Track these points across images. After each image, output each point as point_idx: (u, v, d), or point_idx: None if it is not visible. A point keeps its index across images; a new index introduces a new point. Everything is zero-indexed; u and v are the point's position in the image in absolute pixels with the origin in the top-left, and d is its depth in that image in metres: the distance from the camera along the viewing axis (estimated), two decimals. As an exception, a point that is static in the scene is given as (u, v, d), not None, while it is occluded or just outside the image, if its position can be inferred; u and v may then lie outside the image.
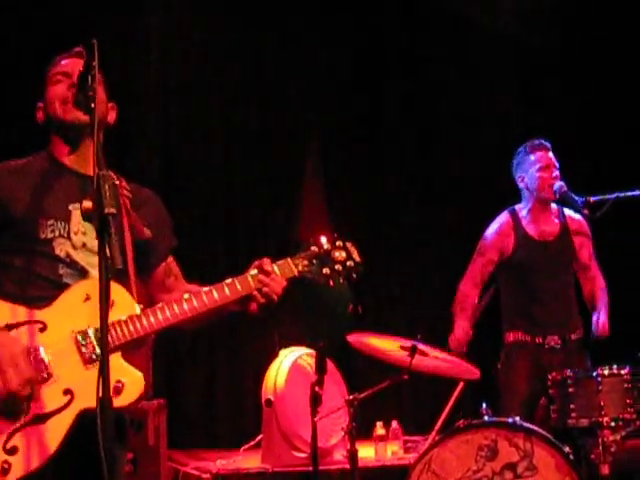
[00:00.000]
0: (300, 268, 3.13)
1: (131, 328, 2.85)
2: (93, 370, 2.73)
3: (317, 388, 4.61)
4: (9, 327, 2.77)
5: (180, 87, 8.04)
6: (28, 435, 2.70)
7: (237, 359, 8.21)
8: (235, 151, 8.36)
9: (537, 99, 8.54)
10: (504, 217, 5.42)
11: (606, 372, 4.75)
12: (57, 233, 2.93)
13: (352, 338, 4.84)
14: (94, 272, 2.85)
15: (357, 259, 3.22)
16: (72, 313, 2.81)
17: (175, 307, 2.91)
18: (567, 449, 4.60)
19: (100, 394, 2.38)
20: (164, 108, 8.01)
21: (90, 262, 2.93)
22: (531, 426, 4.65)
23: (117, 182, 3.03)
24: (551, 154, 5.34)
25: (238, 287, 3.01)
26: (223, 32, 8.16)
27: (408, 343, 4.69)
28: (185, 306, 2.93)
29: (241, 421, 7.88)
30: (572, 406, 4.75)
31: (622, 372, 4.76)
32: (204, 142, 8.26)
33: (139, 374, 2.85)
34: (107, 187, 2.51)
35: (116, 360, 2.79)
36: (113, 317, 2.76)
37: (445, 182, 8.68)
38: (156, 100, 7.96)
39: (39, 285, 2.89)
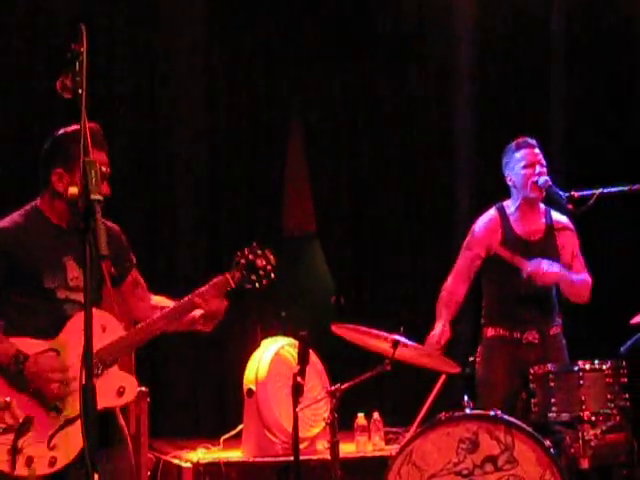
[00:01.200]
0: (235, 280, 3.83)
1: (121, 346, 3.71)
2: (100, 381, 3.43)
3: (299, 378, 4.61)
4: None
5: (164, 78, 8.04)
6: (63, 435, 3.56)
7: (219, 349, 8.20)
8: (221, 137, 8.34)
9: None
10: (492, 213, 5.43)
11: (587, 367, 4.78)
12: (57, 283, 3.65)
13: (335, 328, 4.85)
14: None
15: (273, 262, 3.89)
16: (77, 338, 3.42)
17: (147, 329, 3.76)
18: (548, 443, 4.62)
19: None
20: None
21: (80, 297, 3.57)
22: (512, 419, 4.67)
23: None
24: (537, 151, 5.35)
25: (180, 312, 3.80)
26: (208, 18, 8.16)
27: (391, 336, 4.70)
28: (154, 326, 3.77)
29: (222, 411, 7.87)
30: (553, 400, 4.78)
31: (604, 367, 4.78)
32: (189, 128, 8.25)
33: (133, 379, 3.76)
34: (93, 173, 2.56)
35: (115, 370, 3.69)
36: (107, 340, 3.64)
37: (433, 168, 8.67)
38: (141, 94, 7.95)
39: (48, 320, 3.63)
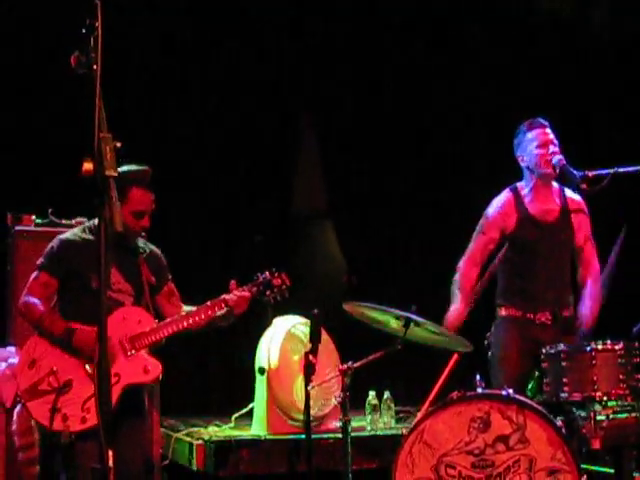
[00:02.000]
0: (253, 292, 4.84)
1: (151, 336, 4.68)
2: (130, 361, 4.60)
3: (311, 357, 4.61)
4: None
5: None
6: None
7: (230, 327, 8.22)
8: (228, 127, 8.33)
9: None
10: (506, 195, 5.40)
11: (600, 347, 4.76)
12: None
13: (347, 306, 4.84)
14: (127, 301, 4.73)
15: (288, 284, 4.87)
16: (116, 328, 4.53)
17: (177, 322, 4.74)
18: (559, 423, 4.62)
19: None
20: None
21: (121, 297, 4.71)
22: (524, 399, 4.66)
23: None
24: (549, 130, 5.32)
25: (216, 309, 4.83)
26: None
27: (403, 314, 4.70)
28: (184, 322, 4.76)
29: (234, 389, 7.89)
30: (565, 380, 4.76)
31: (616, 347, 4.76)
32: (194, 121, 8.24)
33: (158, 362, 4.69)
34: (108, 150, 2.57)
35: (144, 353, 4.64)
36: (140, 329, 4.66)
37: (447, 155, 8.65)
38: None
39: (93, 313, 3.98)
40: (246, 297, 4.80)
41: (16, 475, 5.48)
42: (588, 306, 5.35)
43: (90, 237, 4.71)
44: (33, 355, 4.58)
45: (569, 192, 5.41)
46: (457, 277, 5.38)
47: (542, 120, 5.34)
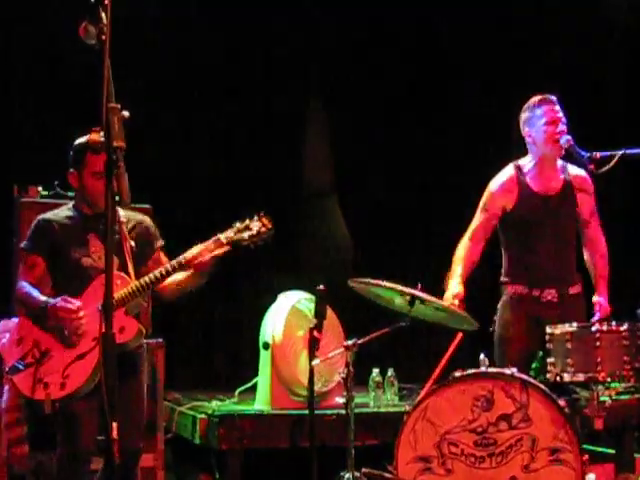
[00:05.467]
0: (228, 239, 4.57)
1: (127, 295, 4.50)
2: None
3: (315, 332, 4.62)
4: None
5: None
6: (75, 367, 4.46)
7: (235, 302, 8.24)
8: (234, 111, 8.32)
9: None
10: (508, 172, 5.38)
11: (605, 328, 4.75)
12: (81, 254, 4.64)
13: (353, 282, 4.84)
14: None
15: (269, 226, 4.60)
16: (96, 295, 4.34)
17: (140, 281, 4.55)
18: (562, 402, 4.62)
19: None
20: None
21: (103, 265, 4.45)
22: (528, 378, 4.66)
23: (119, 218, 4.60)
24: (557, 107, 5.29)
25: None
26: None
27: (408, 291, 4.70)
28: (145, 279, 4.54)
29: (238, 363, 7.91)
30: (569, 360, 4.75)
31: (621, 329, 4.75)
32: (194, 102, 8.23)
33: (135, 322, 4.56)
34: (116, 120, 2.56)
35: (120, 313, 4.38)
36: (116, 290, 4.36)
37: (456, 130, 8.62)
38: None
39: (76, 282, 4.59)
40: (206, 254, 4.56)
41: (5, 455, 5.54)
42: (602, 292, 5.33)
43: (71, 214, 4.76)
44: (20, 333, 4.64)
45: (573, 168, 5.36)
46: (459, 252, 5.35)
47: (551, 97, 5.31)
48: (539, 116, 5.26)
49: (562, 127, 5.21)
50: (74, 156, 4.71)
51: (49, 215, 4.80)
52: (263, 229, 4.60)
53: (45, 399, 4.41)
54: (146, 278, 4.54)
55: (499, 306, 5.37)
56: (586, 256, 5.44)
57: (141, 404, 4.73)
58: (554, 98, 5.31)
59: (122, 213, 4.71)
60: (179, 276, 4.64)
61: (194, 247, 4.59)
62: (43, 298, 4.54)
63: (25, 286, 4.63)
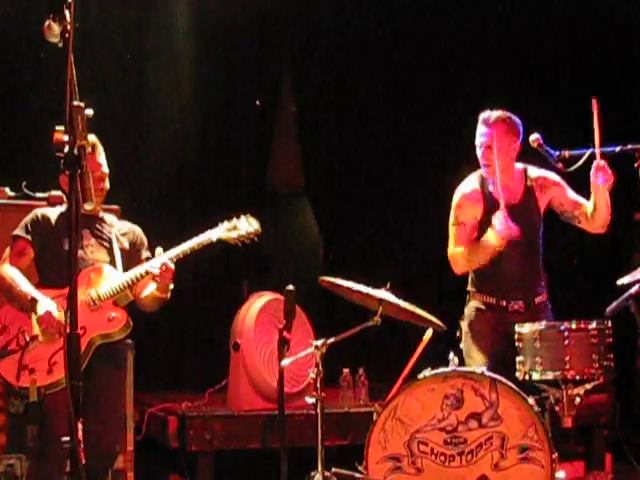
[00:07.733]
0: (216, 237, 4.76)
1: (113, 287, 4.71)
2: (95, 312, 4.68)
3: (285, 333, 4.60)
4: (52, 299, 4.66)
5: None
6: (62, 354, 4.10)
7: (206, 303, 8.21)
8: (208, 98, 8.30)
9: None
10: (472, 184, 5.27)
11: (573, 326, 4.77)
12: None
13: (323, 282, 4.82)
14: (97, 263, 4.81)
15: (255, 227, 4.82)
16: (83, 285, 4.61)
17: (130, 273, 4.75)
18: (532, 401, 4.64)
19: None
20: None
21: (94, 258, 4.82)
22: (497, 377, 4.67)
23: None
24: (485, 130, 5.15)
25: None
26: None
27: (376, 292, 4.68)
28: (130, 275, 4.74)
29: (208, 365, 7.88)
30: (538, 359, 4.76)
31: (589, 327, 4.77)
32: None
33: (124, 312, 4.75)
34: (79, 119, 2.54)
35: (109, 304, 4.69)
36: (110, 285, 4.73)
37: (422, 125, 8.62)
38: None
39: (64, 272, 4.33)
40: (167, 267, 4.69)
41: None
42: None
43: (65, 210, 4.76)
44: (4, 322, 4.70)
45: (533, 170, 5.27)
46: (459, 257, 5.19)
47: (487, 115, 5.17)
48: (478, 134, 5.20)
49: (488, 154, 5.11)
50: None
51: (46, 209, 4.95)
52: (250, 229, 4.81)
53: (30, 385, 4.47)
54: (135, 271, 4.71)
55: (465, 315, 5.31)
56: (590, 224, 5.21)
57: (120, 406, 4.87)
58: (489, 116, 5.17)
59: (115, 220, 5.01)
60: (153, 287, 4.79)
61: (183, 244, 4.76)
62: (30, 294, 4.61)
63: (11, 271, 4.71)
